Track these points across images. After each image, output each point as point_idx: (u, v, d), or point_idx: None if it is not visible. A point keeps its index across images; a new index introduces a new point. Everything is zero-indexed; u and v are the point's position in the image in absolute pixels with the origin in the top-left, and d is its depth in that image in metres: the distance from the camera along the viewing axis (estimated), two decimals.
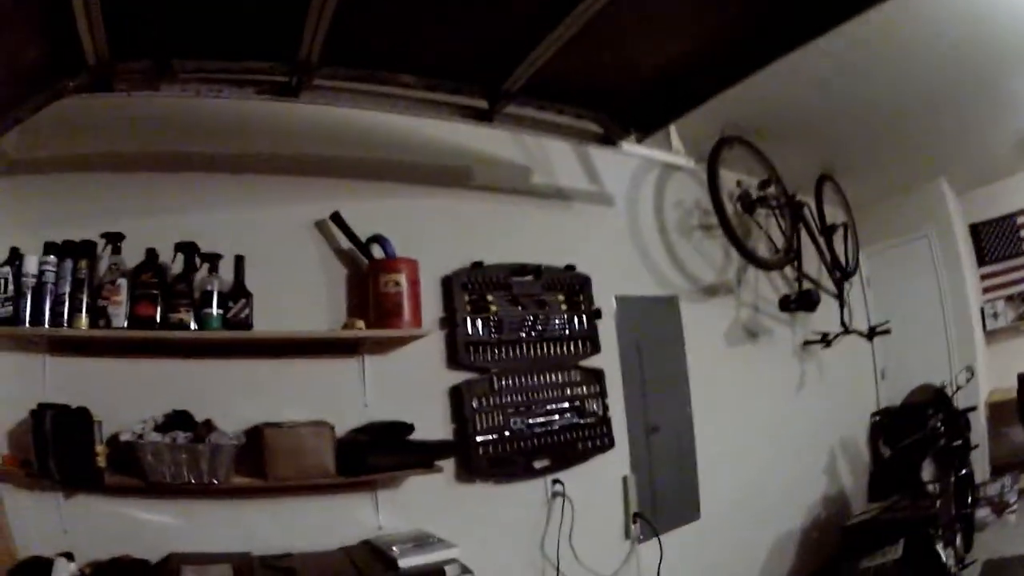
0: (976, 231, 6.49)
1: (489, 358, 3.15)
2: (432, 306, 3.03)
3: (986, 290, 6.46)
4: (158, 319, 2.30)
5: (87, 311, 2.24)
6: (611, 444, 3.42)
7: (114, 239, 2.33)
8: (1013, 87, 4.14)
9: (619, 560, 3.48)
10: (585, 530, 3.28)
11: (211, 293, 2.39)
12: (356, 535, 2.66)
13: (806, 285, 4.45)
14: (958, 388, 4.57)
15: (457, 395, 3.07)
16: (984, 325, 6.27)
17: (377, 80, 2.55)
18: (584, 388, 3.39)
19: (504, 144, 3.40)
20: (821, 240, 4.77)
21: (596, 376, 3.44)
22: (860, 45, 3.17)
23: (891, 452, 4.92)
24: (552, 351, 3.34)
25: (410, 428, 2.70)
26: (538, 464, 3.19)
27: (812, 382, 4.77)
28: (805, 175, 4.71)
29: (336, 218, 2.79)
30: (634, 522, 3.50)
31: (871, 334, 5.03)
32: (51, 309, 2.21)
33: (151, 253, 2.36)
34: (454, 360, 3.08)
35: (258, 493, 2.50)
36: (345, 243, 2.84)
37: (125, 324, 2.26)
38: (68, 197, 2.42)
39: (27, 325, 2.19)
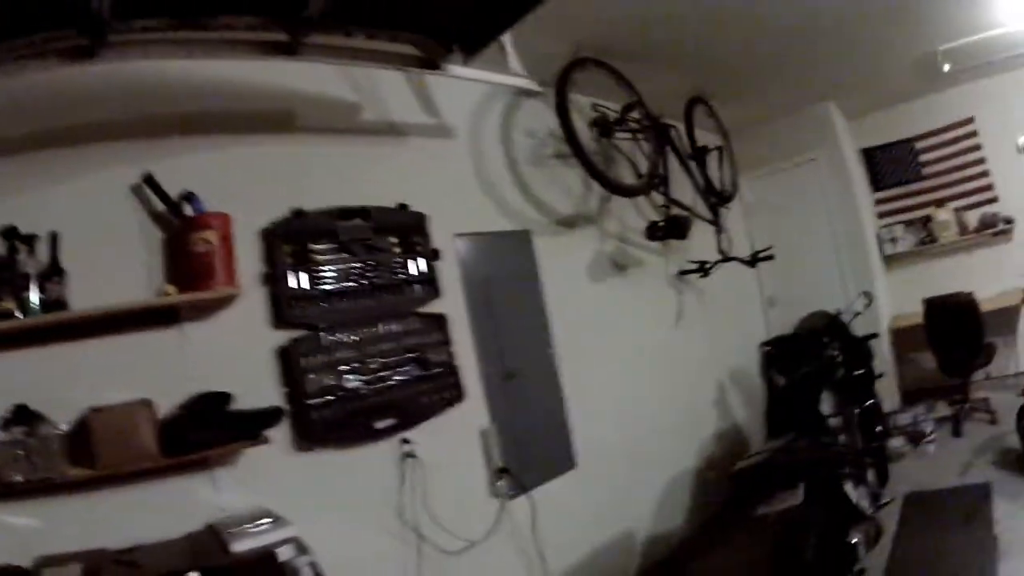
0: (870, 155, 6.37)
1: (316, 313, 2.76)
2: (252, 262, 2.67)
3: (881, 215, 6.37)
4: None
5: None
6: (461, 396, 3.06)
7: None
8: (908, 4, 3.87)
9: (489, 519, 3.14)
10: (447, 491, 2.97)
11: (28, 276, 2.19)
12: (200, 519, 2.40)
13: (675, 211, 4.13)
14: (856, 314, 4.26)
15: (285, 356, 2.69)
16: (881, 250, 6.19)
17: (173, 27, 2.26)
18: (425, 337, 3.00)
19: (329, 80, 3.00)
20: (692, 164, 4.46)
21: (438, 323, 3.05)
22: None
23: (785, 383, 4.72)
24: (387, 299, 2.94)
25: (227, 397, 2.41)
26: (380, 424, 2.82)
27: (692, 313, 4.49)
28: (674, 98, 4.34)
29: (148, 180, 2.45)
30: (499, 478, 3.15)
31: (753, 260, 4.75)
32: None
33: None
34: (280, 318, 2.70)
35: (100, 484, 2.27)
36: (162, 205, 2.48)
37: None
38: None
39: None
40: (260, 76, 2.77)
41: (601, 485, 3.61)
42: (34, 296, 2.18)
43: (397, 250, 2.99)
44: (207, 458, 2.42)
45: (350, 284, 2.85)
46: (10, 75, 2.15)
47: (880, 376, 4.47)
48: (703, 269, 4.40)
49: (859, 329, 4.27)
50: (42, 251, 2.26)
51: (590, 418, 3.60)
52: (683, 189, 4.36)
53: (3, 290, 2.15)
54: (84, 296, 2.27)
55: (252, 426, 2.43)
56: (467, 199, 3.39)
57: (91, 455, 2.19)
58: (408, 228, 3.05)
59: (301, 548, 2.19)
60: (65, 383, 2.27)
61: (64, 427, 2.19)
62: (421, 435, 2.93)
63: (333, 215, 2.86)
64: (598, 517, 3.59)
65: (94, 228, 2.40)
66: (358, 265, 2.88)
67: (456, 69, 2.87)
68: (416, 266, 3.02)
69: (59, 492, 2.22)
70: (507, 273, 3.46)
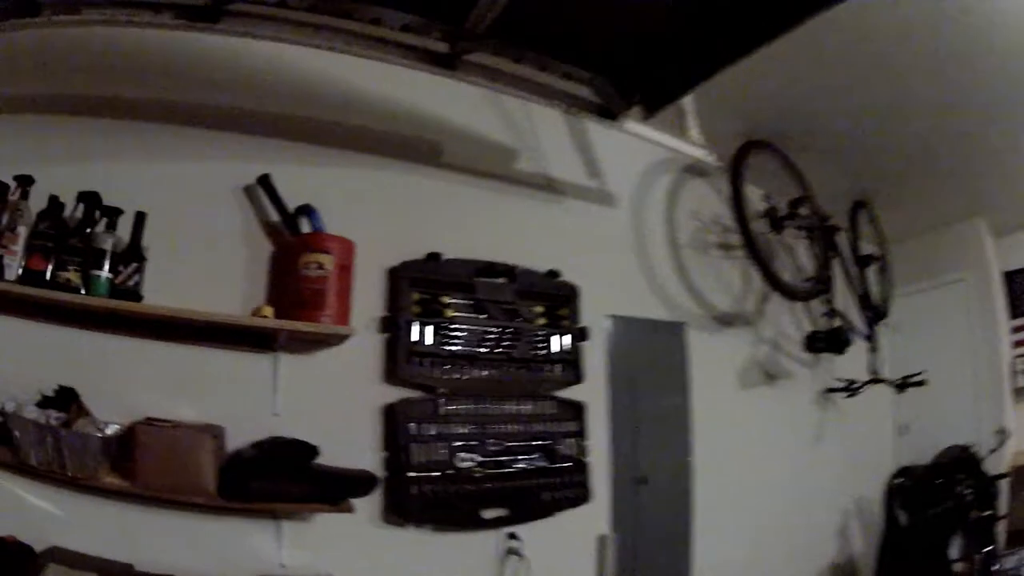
0: (1010, 279, 5.58)
1: (437, 374, 2.39)
2: (371, 302, 2.34)
3: (1017, 344, 5.55)
4: (48, 276, 1.87)
5: None
6: (586, 497, 2.59)
7: (24, 182, 1.90)
8: None
9: None
10: None
11: (103, 253, 1.92)
12: (253, 569, 2.07)
13: (836, 322, 3.56)
14: (992, 451, 3.71)
15: (392, 416, 2.32)
16: (1014, 381, 5.34)
17: (311, 7, 1.87)
18: (558, 424, 2.58)
19: (485, 118, 2.67)
20: (855, 272, 3.90)
21: (576, 411, 2.62)
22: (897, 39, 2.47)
23: (909, 519, 4.01)
24: (521, 374, 2.53)
25: (312, 451, 2.05)
26: (489, 514, 2.40)
27: (831, 434, 3.87)
28: (837, 200, 3.83)
29: (264, 181, 2.15)
30: None
31: (903, 385, 4.11)
32: None
33: (54, 201, 1.92)
34: (393, 372, 2.34)
35: (140, 499, 1.96)
36: (276, 214, 2.18)
37: (18, 276, 1.85)
38: None
39: None
40: (409, 96, 2.49)
41: None
42: (104, 276, 1.92)
43: (541, 321, 2.61)
44: (275, 510, 2.10)
45: (482, 350, 2.47)
46: (122, 26, 1.81)
47: (1002, 518, 3.82)
48: (851, 389, 3.79)
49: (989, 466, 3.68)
50: (124, 230, 1.98)
51: (714, 537, 3.06)
52: (844, 300, 3.80)
53: (70, 260, 1.89)
54: (163, 292, 1.98)
55: (336, 490, 2.08)
56: (624, 277, 2.98)
57: (133, 468, 1.89)
58: (556, 298, 2.66)
59: None
60: (127, 380, 2.01)
61: (110, 429, 1.91)
62: (531, 533, 2.50)
63: (473, 268, 2.51)
64: None
65: (191, 221, 2.12)
66: (494, 330, 2.50)
67: (634, 126, 2.45)
68: (560, 343, 2.61)
69: (90, 492, 1.92)
70: (655, 367, 3.01)
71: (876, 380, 3.82)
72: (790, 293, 3.25)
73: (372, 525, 2.27)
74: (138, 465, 1.88)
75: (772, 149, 3.19)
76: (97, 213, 1.97)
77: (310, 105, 2.34)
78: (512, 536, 2.45)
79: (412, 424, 2.31)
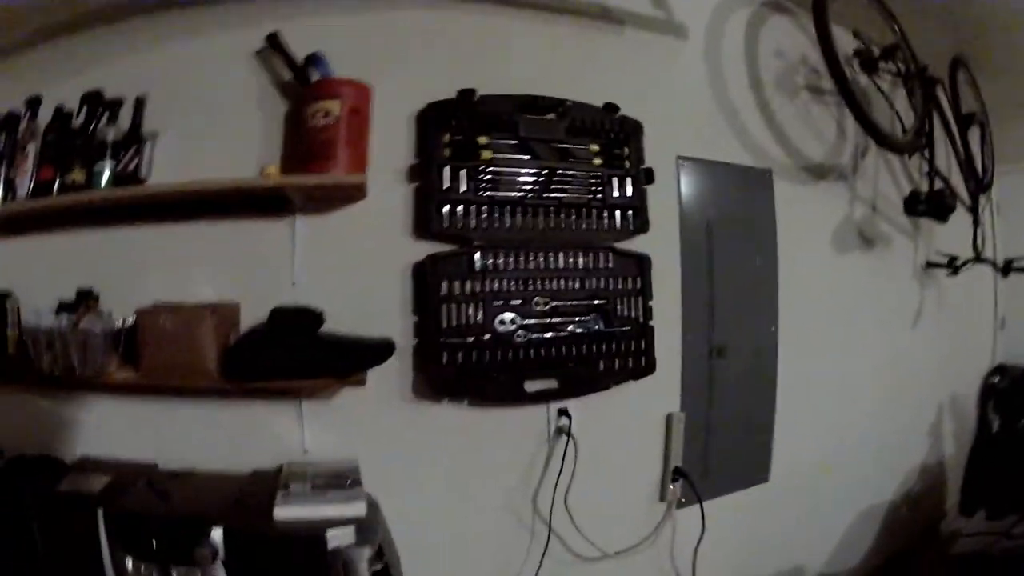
0: None
1: (474, 225, 1.95)
2: (397, 151, 1.97)
3: None
4: (56, 182, 1.81)
5: (5, 185, 1.83)
6: (650, 368, 2.14)
7: (32, 105, 1.87)
8: None
9: (646, 528, 2.27)
10: (602, 485, 2.13)
11: (105, 145, 1.80)
12: (277, 456, 1.86)
13: (938, 185, 2.93)
14: None
15: (421, 274, 1.92)
16: None
17: None
18: (618, 282, 2.10)
19: None
20: (955, 131, 3.23)
21: (639, 265, 2.13)
22: None
23: (1001, 425, 3.42)
24: (574, 223, 2.06)
25: (316, 318, 1.79)
26: (533, 387, 2.00)
27: (929, 318, 3.28)
28: (933, 55, 3.08)
29: (272, 40, 1.85)
30: (674, 480, 2.23)
31: (1007, 269, 3.50)
32: None
33: (59, 111, 1.85)
34: (423, 225, 1.93)
35: (155, 392, 1.85)
36: (289, 74, 1.88)
37: (29, 192, 1.82)
38: None
39: None
40: None
41: (790, 508, 2.61)
42: (106, 167, 1.79)
43: (597, 161, 2.10)
44: (298, 388, 1.86)
45: (527, 195, 2.01)
46: None
47: None
48: (953, 266, 3.18)
49: None
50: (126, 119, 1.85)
51: (796, 423, 2.57)
52: (942, 163, 3.12)
53: (75, 161, 1.80)
54: (180, 172, 1.80)
55: (349, 361, 1.77)
56: (696, 116, 2.40)
57: (139, 358, 1.74)
58: (615, 137, 2.14)
59: (366, 534, 1.54)
60: (142, 271, 1.87)
61: (120, 322, 1.78)
62: (585, 409, 2.10)
63: (516, 104, 2.03)
64: (773, 545, 2.60)
65: (206, 98, 1.90)
66: (541, 172, 2.02)
67: None
68: (620, 187, 2.12)
69: (105, 392, 1.84)
70: (736, 220, 2.44)
71: (979, 259, 3.20)
72: (888, 143, 2.61)
73: (402, 401, 1.96)
74: (143, 354, 1.73)
75: None
76: (100, 110, 1.85)
77: None
78: (563, 412, 2.05)
79: (444, 283, 1.90)
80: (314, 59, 1.83)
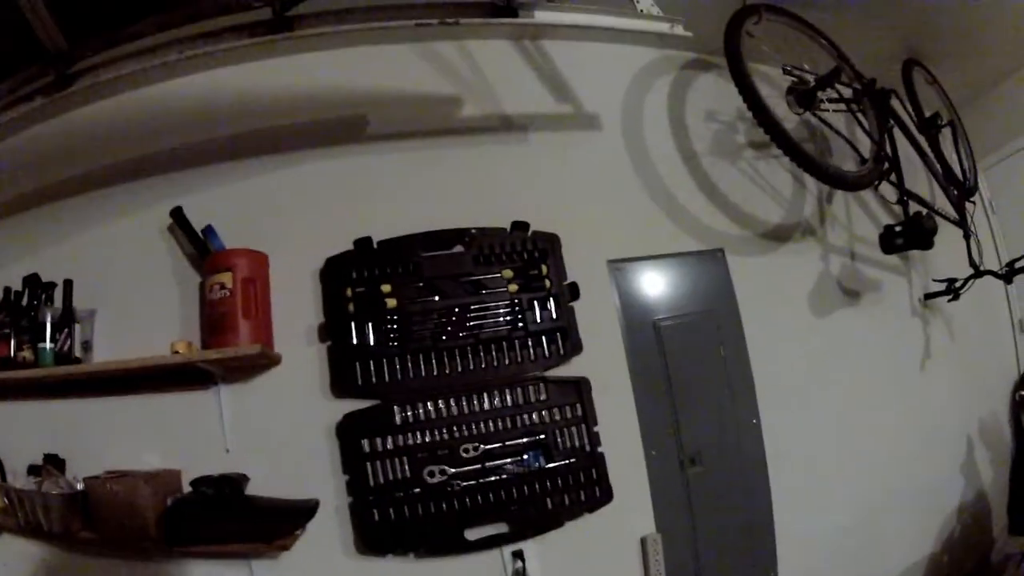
0: None
1: (388, 378, 1.79)
2: (304, 311, 1.86)
3: None
4: (12, 357, 1.82)
5: None
6: (607, 496, 1.88)
7: None
8: None
9: None
10: None
11: (44, 326, 1.82)
12: None
13: (913, 208, 2.55)
14: None
15: (344, 434, 1.76)
16: None
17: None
18: (554, 412, 1.87)
19: (407, 71, 2.06)
20: (922, 141, 2.83)
21: (577, 390, 1.90)
22: None
23: None
24: (495, 359, 1.85)
25: (235, 483, 1.70)
26: (479, 533, 1.78)
27: (939, 350, 2.86)
28: (881, 63, 2.76)
29: (176, 214, 1.84)
30: None
31: (1010, 274, 2.98)
32: None
33: (7, 291, 1.87)
34: (340, 385, 1.80)
35: (116, 550, 1.77)
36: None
37: None
38: None
39: None
40: (307, 78, 1.98)
41: None
42: (48, 347, 1.80)
43: (513, 287, 1.89)
44: (228, 551, 1.73)
45: (440, 338, 1.82)
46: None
47: None
48: (953, 290, 2.76)
49: None
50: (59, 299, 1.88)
51: (802, 506, 2.22)
52: (916, 180, 2.76)
53: (24, 339, 1.82)
54: (115, 348, 1.80)
55: (272, 523, 1.67)
56: (625, 212, 2.17)
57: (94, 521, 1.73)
58: (529, 257, 1.93)
59: None
60: (98, 438, 1.81)
61: (78, 486, 1.78)
62: (545, 549, 1.84)
63: (416, 243, 1.87)
64: None
65: (127, 275, 1.88)
66: (452, 311, 1.83)
67: (546, 15, 1.66)
68: (542, 310, 1.90)
69: (73, 547, 1.77)
70: (689, 312, 2.14)
71: (978, 273, 2.78)
72: (841, 180, 2.26)
73: (348, 558, 1.79)
74: (97, 517, 1.71)
75: (777, 11, 2.23)
76: (39, 292, 1.88)
77: (205, 127, 1.94)
78: (517, 556, 1.79)
79: (365, 441, 1.74)
80: (207, 232, 1.79)
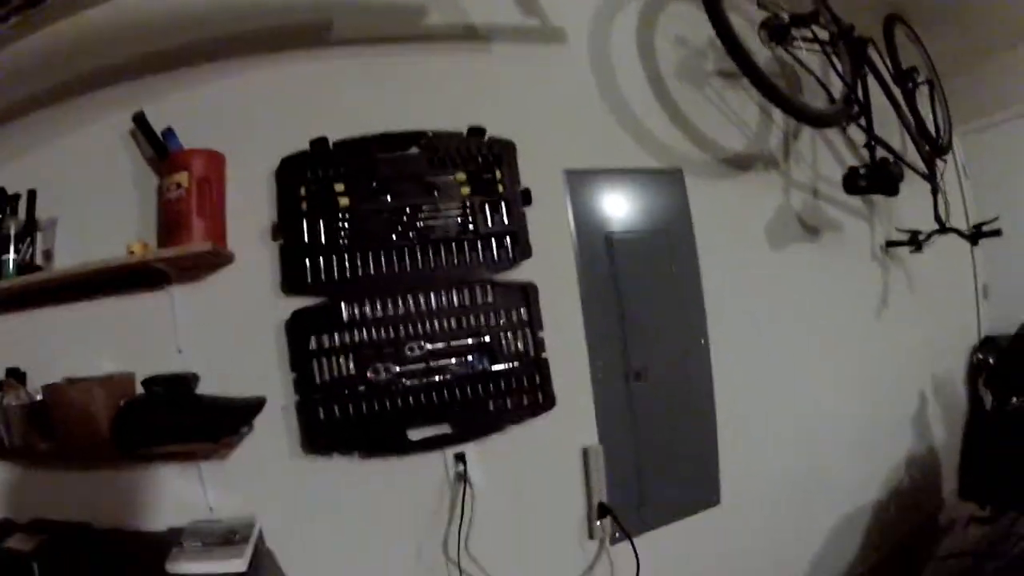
0: None
1: (338, 276, 1.73)
2: (259, 211, 1.79)
3: None
4: None
5: None
6: (549, 403, 1.85)
7: None
8: None
9: (576, 569, 1.95)
10: (518, 528, 1.86)
11: (8, 237, 1.74)
12: (184, 515, 1.72)
13: (880, 154, 2.51)
14: None
15: (292, 331, 1.71)
16: None
17: None
18: (499, 315, 1.82)
19: None
20: (898, 95, 2.80)
21: (523, 295, 1.86)
22: None
23: (994, 405, 2.92)
24: (444, 260, 1.80)
25: (189, 380, 1.67)
26: (421, 434, 1.75)
27: (898, 300, 2.86)
28: (863, 14, 2.67)
29: (138, 120, 1.74)
30: (601, 516, 1.89)
31: (976, 236, 2.99)
32: None
33: None
34: (291, 283, 1.74)
35: (75, 459, 1.75)
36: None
37: None
38: None
39: None
40: None
41: (751, 528, 2.24)
42: (11, 258, 1.73)
43: (465, 190, 1.84)
44: (178, 452, 1.71)
45: (390, 237, 1.77)
46: None
47: None
48: (916, 242, 2.76)
49: None
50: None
51: (747, 437, 2.22)
52: (888, 133, 2.71)
53: None
54: (78, 255, 1.71)
55: (218, 421, 1.61)
56: (584, 125, 2.10)
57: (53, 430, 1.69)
58: (484, 161, 1.88)
59: None
60: (58, 347, 1.74)
61: (37, 397, 1.72)
62: (486, 452, 1.82)
63: (372, 144, 1.80)
64: (736, 569, 2.22)
65: (89, 182, 1.80)
66: (403, 211, 1.77)
67: None
68: (494, 214, 1.85)
69: (32, 461, 1.74)
70: (643, 229, 2.09)
71: (943, 229, 2.76)
72: (810, 117, 2.25)
73: (293, 457, 1.77)
74: (55, 427, 1.66)
75: None
76: (4, 205, 1.79)
77: (168, 34, 1.82)
78: (459, 458, 1.77)
79: (312, 337, 1.70)
80: (166, 134, 1.73)
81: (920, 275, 3.00)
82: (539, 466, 1.89)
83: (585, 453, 1.92)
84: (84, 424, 1.61)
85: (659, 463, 2.04)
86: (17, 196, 1.79)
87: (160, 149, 1.74)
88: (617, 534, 1.95)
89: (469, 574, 1.82)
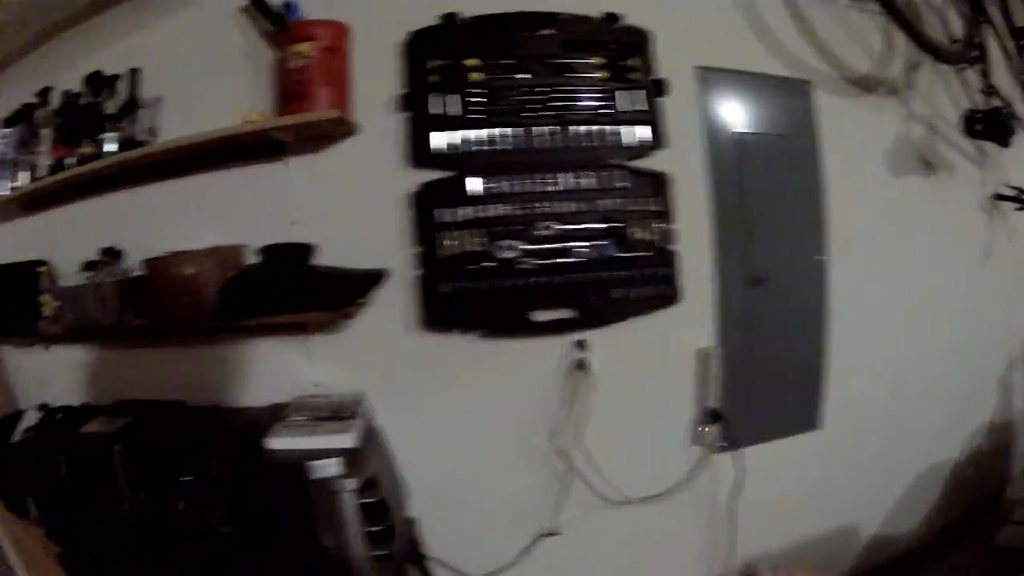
0: None
1: (468, 149, 1.67)
2: (384, 83, 1.72)
3: None
4: (70, 157, 1.77)
5: (27, 168, 1.84)
6: (674, 297, 1.77)
7: (43, 95, 1.86)
8: None
9: (679, 474, 1.88)
10: (627, 424, 1.80)
11: (108, 117, 1.74)
12: (290, 391, 1.70)
13: (997, 102, 2.41)
14: None
15: (418, 203, 1.66)
16: None
17: None
18: (632, 203, 1.74)
19: None
20: (1011, 47, 2.66)
21: (657, 184, 1.78)
22: None
23: None
24: (580, 139, 1.73)
25: (307, 251, 1.62)
26: (543, 316, 1.69)
27: (998, 257, 2.67)
28: None
29: None
30: (709, 423, 1.84)
31: None
32: (7, 177, 1.86)
33: (67, 94, 1.82)
34: (417, 154, 1.68)
35: (173, 336, 1.77)
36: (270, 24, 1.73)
37: (48, 171, 1.81)
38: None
39: None
40: None
41: (842, 460, 2.15)
42: (110, 137, 1.73)
43: (599, 75, 1.75)
44: (289, 324, 1.68)
45: (524, 115, 1.70)
46: None
47: None
48: (1021, 200, 2.58)
49: None
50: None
51: (851, 366, 2.12)
52: (1001, 80, 2.58)
53: (83, 136, 1.76)
54: (181, 133, 1.65)
55: (338, 290, 1.58)
56: (718, 23, 1.98)
57: (151, 305, 1.67)
58: (619, 48, 1.79)
59: (356, 465, 1.38)
60: (159, 225, 1.75)
61: (134, 272, 1.73)
62: (606, 342, 1.76)
63: (504, 22, 1.73)
64: (822, 500, 2.15)
65: (195, 60, 1.75)
66: (540, 89, 1.70)
67: None
68: (630, 101, 1.76)
69: (126, 340, 1.78)
70: (770, 135, 1.98)
71: None
72: (938, 51, 2.15)
73: (408, 333, 1.73)
74: (154, 301, 1.65)
75: None
76: (101, 87, 1.80)
77: None
78: (579, 345, 1.70)
79: (438, 211, 1.65)
80: (287, 6, 1.68)
81: (1020, 234, 2.87)
82: (655, 362, 1.84)
83: (701, 353, 1.85)
84: (189, 296, 1.58)
85: (768, 378, 1.96)
86: (116, 77, 1.78)
87: (278, 21, 1.69)
88: (720, 443, 1.88)
89: (575, 464, 1.78)
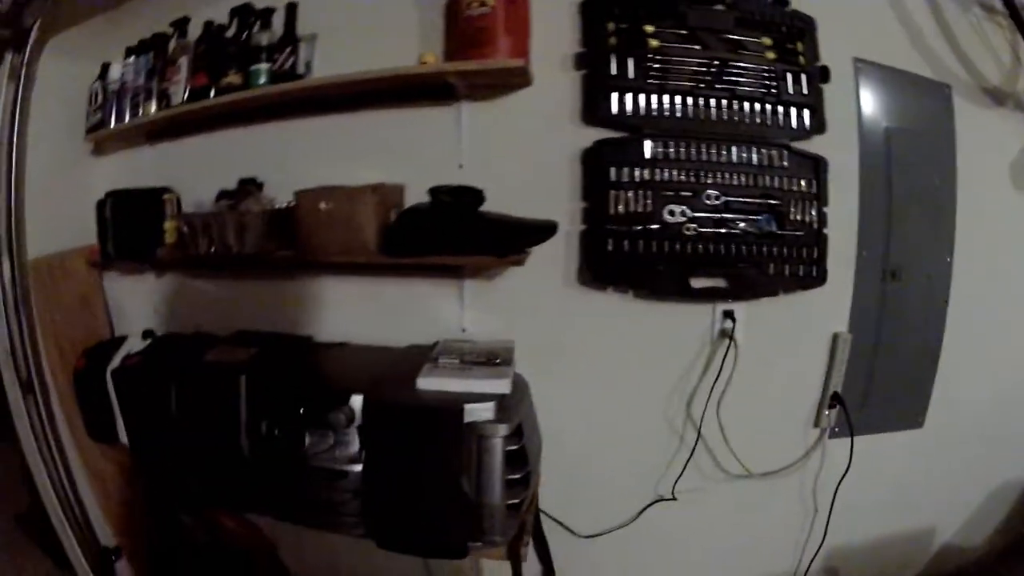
0: None
1: (643, 112, 1.68)
2: (562, 39, 1.74)
3: None
4: (211, 87, 1.80)
5: (156, 97, 1.88)
6: (821, 278, 1.80)
7: (180, 24, 1.92)
8: None
9: (795, 453, 1.91)
10: (758, 398, 1.82)
11: (260, 49, 1.77)
12: (435, 334, 1.76)
13: None
14: None
15: (589, 160, 1.68)
16: None
17: None
18: (792, 182, 1.77)
19: None
20: None
21: (815, 167, 1.79)
22: None
23: None
24: (747, 116, 1.75)
25: (479, 195, 1.63)
26: (700, 283, 1.71)
27: None
28: None
29: None
30: (831, 406, 1.86)
31: None
32: (131, 106, 1.91)
33: (209, 25, 1.87)
34: (592, 113, 1.69)
35: (315, 269, 1.82)
36: None
37: (184, 98, 1.83)
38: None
39: (111, 126, 1.93)
40: None
41: (937, 462, 2.15)
42: (262, 67, 1.75)
43: (770, 55, 1.77)
44: (449, 265, 1.74)
45: (696, 84, 1.70)
46: None
47: None
48: None
49: None
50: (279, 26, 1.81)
51: (959, 368, 2.11)
52: None
53: (230, 65, 1.78)
54: (336, 69, 1.68)
55: (509, 237, 1.58)
56: (872, 17, 1.98)
57: (298, 237, 1.69)
58: (787, 30, 1.80)
59: (506, 412, 1.37)
60: (306, 160, 1.79)
61: (279, 204, 1.77)
62: (750, 315, 1.78)
63: None
64: (909, 500, 2.15)
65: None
66: (713, 62, 1.71)
67: None
68: (795, 83, 1.78)
69: (265, 272, 1.83)
70: (915, 134, 1.99)
71: None
72: None
73: (565, 286, 1.77)
74: (301, 233, 1.66)
75: None
76: (252, 20, 1.82)
77: None
78: (728, 315, 1.74)
79: (613, 169, 1.66)
80: None
81: None
82: (793, 340, 1.86)
83: (835, 339, 1.87)
84: (347, 230, 1.59)
85: (886, 371, 1.98)
86: (270, 10, 1.80)
87: None
88: (837, 428, 1.91)
89: (704, 434, 1.80)
